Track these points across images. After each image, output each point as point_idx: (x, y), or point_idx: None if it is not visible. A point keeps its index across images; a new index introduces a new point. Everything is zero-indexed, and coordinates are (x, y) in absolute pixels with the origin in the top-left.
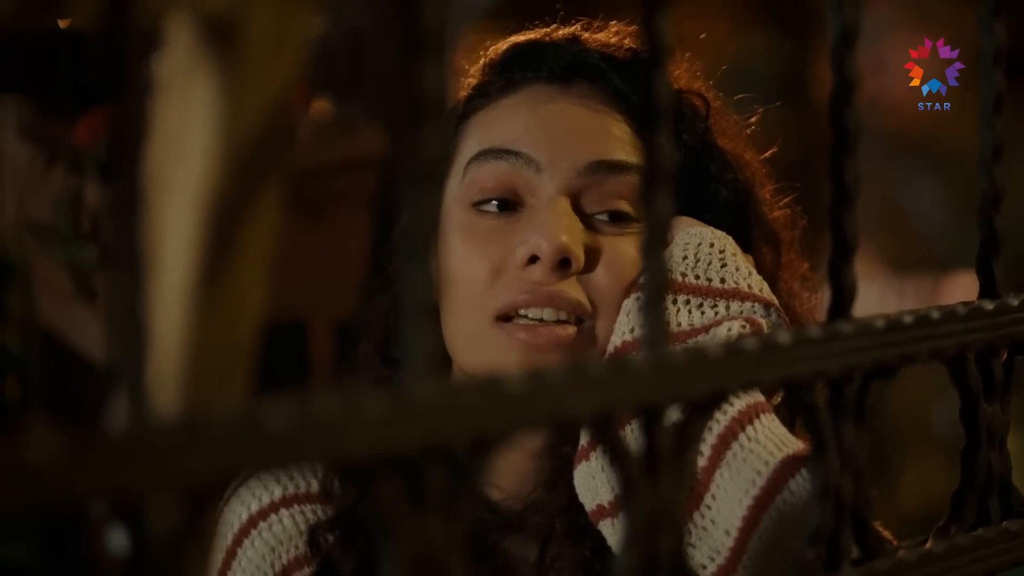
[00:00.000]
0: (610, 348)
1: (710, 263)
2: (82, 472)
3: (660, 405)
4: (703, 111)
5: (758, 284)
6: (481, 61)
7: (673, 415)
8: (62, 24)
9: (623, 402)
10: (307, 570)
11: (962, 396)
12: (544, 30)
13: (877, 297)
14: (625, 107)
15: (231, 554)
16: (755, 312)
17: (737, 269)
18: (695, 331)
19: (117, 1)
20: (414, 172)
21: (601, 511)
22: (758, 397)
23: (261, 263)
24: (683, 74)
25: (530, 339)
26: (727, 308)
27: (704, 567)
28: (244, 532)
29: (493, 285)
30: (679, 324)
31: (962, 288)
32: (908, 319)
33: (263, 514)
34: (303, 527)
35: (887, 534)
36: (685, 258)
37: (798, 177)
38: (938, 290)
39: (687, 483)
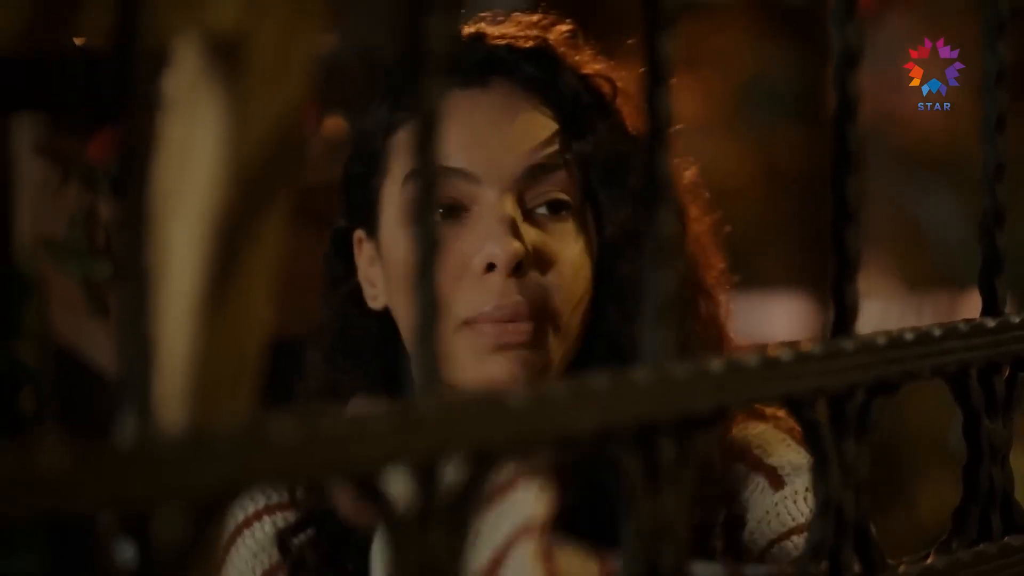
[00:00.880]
0: None
1: None
2: (89, 483)
3: (661, 420)
4: (610, 95)
5: None
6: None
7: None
8: (77, 42)
9: (624, 417)
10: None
11: (964, 412)
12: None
13: (896, 316)
14: (544, 96)
15: (222, 560)
16: None
17: None
18: None
19: (125, 20)
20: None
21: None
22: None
23: (267, 278)
24: (588, 58)
25: (499, 335)
26: None
27: None
28: (231, 539)
29: (455, 292)
30: None
31: (979, 305)
32: (909, 336)
33: (247, 522)
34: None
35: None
36: None
37: (814, 191)
38: (956, 307)
39: (688, 496)
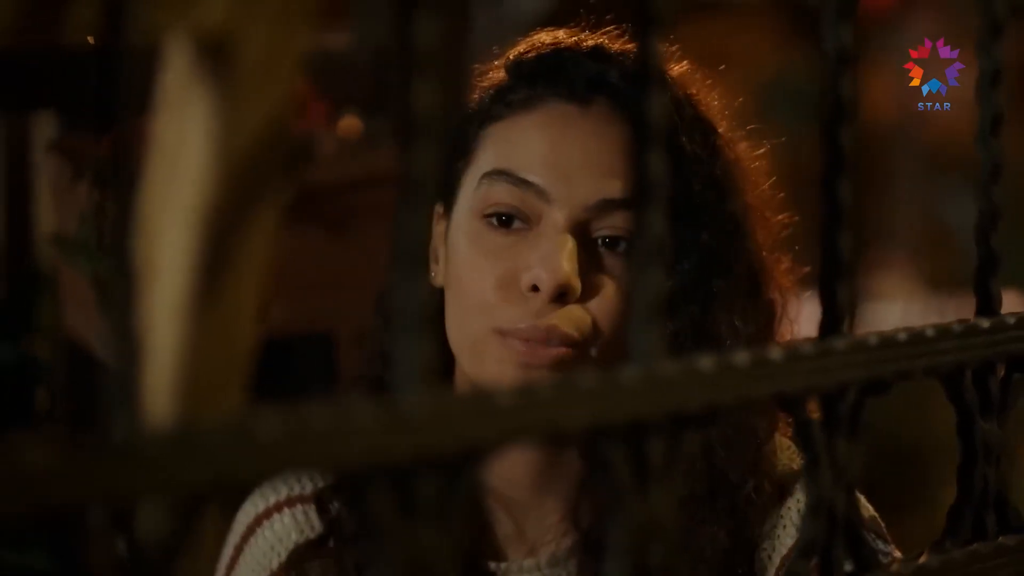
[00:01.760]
0: None
1: None
2: (76, 478)
3: (651, 419)
4: (709, 145)
5: None
6: (507, 59)
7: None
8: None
9: (614, 415)
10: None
11: (958, 413)
12: (574, 35)
13: (917, 317)
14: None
15: (238, 550)
16: None
17: None
18: None
19: (112, 19)
20: (407, 188)
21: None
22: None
23: (257, 277)
24: (695, 83)
25: (528, 353)
26: None
27: None
28: (250, 530)
29: (498, 300)
30: None
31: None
32: (902, 336)
33: (268, 513)
34: (303, 526)
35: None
36: None
37: None
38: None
39: (677, 495)
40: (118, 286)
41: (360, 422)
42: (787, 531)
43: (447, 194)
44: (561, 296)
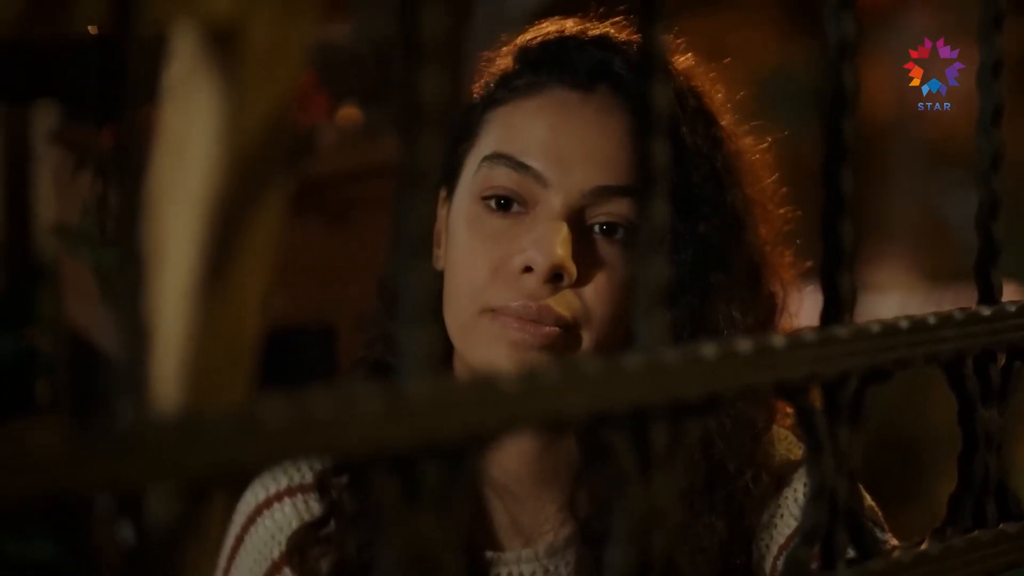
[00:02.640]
0: None
1: None
2: (82, 465)
3: (653, 406)
4: (713, 138)
5: None
6: (513, 46)
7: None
8: (91, 30)
9: (616, 402)
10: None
11: (959, 401)
12: (580, 24)
13: (915, 308)
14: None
15: (239, 539)
16: None
17: None
18: None
19: (121, 9)
20: (411, 176)
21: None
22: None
23: (263, 265)
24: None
25: (519, 330)
26: None
27: None
28: (251, 519)
29: (490, 283)
30: None
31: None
32: (904, 324)
33: (268, 503)
34: (304, 515)
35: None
36: None
37: None
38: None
39: (679, 482)
40: (125, 274)
41: (364, 409)
42: (784, 520)
43: (450, 178)
44: (556, 278)
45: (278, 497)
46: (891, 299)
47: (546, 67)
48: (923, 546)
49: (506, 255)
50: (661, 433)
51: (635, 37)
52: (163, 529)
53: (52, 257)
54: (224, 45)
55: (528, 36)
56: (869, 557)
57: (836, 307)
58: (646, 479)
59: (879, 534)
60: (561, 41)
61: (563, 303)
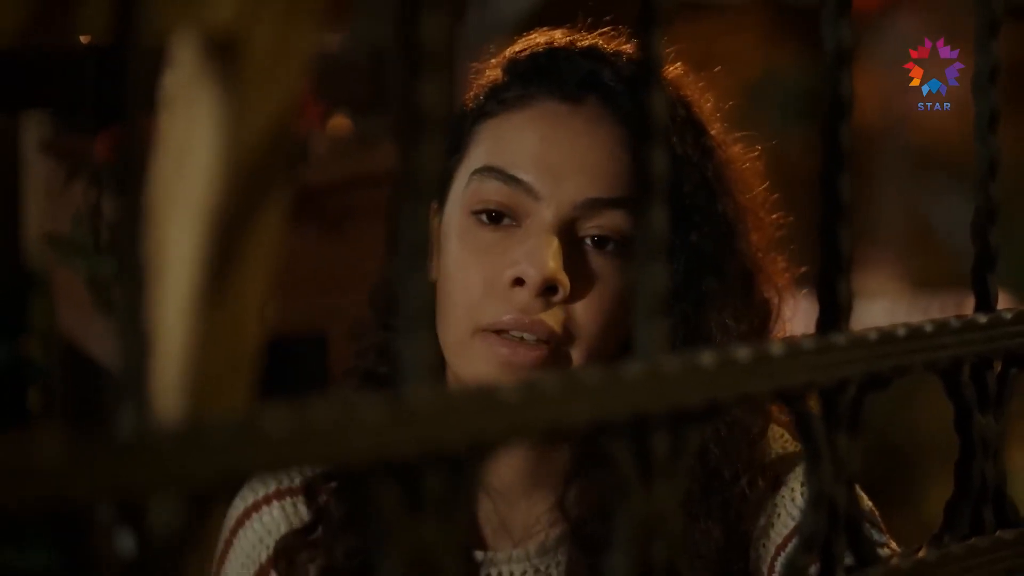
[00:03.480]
0: None
1: None
2: (84, 474)
3: (653, 414)
4: (704, 152)
5: None
6: (502, 58)
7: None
8: (83, 40)
9: (617, 411)
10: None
11: (956, 408)
12: (569, 35)
13: (903, 314)
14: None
15: (228, 543)
16: None
17: None
18: None
19: (123, 18)
20: (411, 184)
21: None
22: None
23: (264, 274)
24: (687, 85)
25: (510, 354)
26: None
27: None
28: (239, 523)
29: (483, 299)
30: None
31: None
32: (901, 331)
33: (256, 506)
34: (292, 519)
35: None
36: None
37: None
38: (965, 308)
39: (680, 490)
40: (126, 282)
41: (366, 417)
42: (782, 520)
43: (441, 190)
44: (548, 291)
45: (266, 500)
46: (877, 305)
47: (535, 79)
48: (921, 553)
49: (498, 269)
50: (661, 441)
51: (624, 47)
52: (164, 538)
53: (43, 267)
54: (225, 54)
55: (517, 48)
56: (868, 564)
57: (834, 314)
58: (647, 487)
59: (878, 536)
60: (550, 53)
61: (556, 318)
